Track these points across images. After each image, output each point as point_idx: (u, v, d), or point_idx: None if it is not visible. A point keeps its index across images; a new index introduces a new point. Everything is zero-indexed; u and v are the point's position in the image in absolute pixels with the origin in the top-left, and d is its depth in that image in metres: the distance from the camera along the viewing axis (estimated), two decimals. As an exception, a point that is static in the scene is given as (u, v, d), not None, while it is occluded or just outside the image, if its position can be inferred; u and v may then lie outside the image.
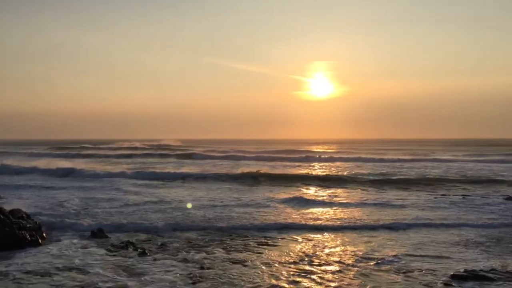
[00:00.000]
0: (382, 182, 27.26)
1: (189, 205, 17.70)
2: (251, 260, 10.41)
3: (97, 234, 12.75)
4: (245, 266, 10.00)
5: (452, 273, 9.29)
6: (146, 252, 11.02)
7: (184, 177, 29.75)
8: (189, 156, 58.43)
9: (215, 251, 11.22)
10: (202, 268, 9.77)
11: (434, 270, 9.67)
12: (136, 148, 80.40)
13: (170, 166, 40.03)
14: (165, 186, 25.21)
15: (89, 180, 28.17)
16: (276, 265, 10.06)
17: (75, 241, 12.20)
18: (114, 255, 10.79)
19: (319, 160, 51.57)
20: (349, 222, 14.82)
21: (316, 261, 10.36)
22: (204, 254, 10.93)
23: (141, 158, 56.59)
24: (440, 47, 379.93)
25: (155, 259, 10.44)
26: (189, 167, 38.26)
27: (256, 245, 11.84)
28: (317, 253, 11.06)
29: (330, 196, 21.59)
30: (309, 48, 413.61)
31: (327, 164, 45.91)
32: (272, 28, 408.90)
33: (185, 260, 10.37)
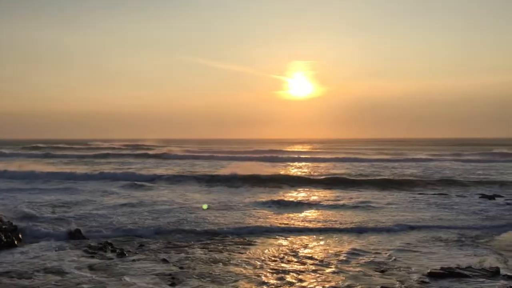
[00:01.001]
0: (360, 183, 27.19)
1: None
2: (232, 260, 10.41)
3: (75, 235, 12.59)
4: (226, 265, 10.00)
5: (429, 271, 9.43)
6: (125, 253, 10.91)
7: (160, 178, 28.87)
8: (166, 156, 57.50)
9: (195, 252, 11.18)
10: (182, 268, 9.73)
11: (411, 268, 9.81)
12: (113, 148, 79.56)
13: (146, 167, 39.55)
14: (142, 188, 24.67)
15: (59, 182, 26.96)
16: (257, 264, 10.07)
17: (51, 242, 12.00)
18: (92, 256, 10.66)
19: (298, 160, 51.60)
20: (327, 224, 14.75)
21: (296, 260, 10.42)
22: (183, 255, 10.88)
23: (116, 158, 55.70)
24: (420, 47, 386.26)
25: (134, 260, 10.36)
26: (165, 168, 37.94)
27: (236, 246, 11.82)
28: (297, 253, 11.10)
29: (308, 197, 21.42)
30: (289, 48, 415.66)
31: (305, 164, 46.04)
32: (253, 28, 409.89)
33: (164, 261, 10.30)
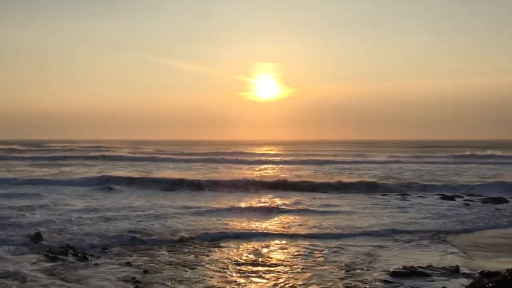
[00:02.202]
0: (322, 186, 26.30)
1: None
2: (198, 263, 10.33)
3: (34, 239, 12.20)
4: (192, 268, 9.91)
5: (392, 270, 9.61)
6: (87, 256, 10.66)
7: (119, 181, 27.25)
8: (124, 158, 55.85)
9: (160, 255, 11.03)
10: (146, 272, 9.58)
11: (375, 268, 9.97)
12: (71, 150, 77.65)
13: (96, 170, 37.65)
14: (100, 191, 23.62)
15: (13, 186, 25.59)
16: (224, 267, 10.03)
17: (9, 247, 11.58)
18: (53, 260, 10.36)
19: (261, 162, 51.23)
20: (290, 229, 14.40)
21: (261, 262, 10.42)
22: (148, 258, 10.72)
23: (74, 160, 53.88)
24: (383, 51, 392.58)
25: (96, 264, 10.13)
26: (126, 170, 36.98)
27: (202, 250, 11.64)
28: (262, 256, 11.07)
29: (270, 201, 20.71)
30: (255, 49, 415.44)
31: (268, 166, 45.91)
32: (217, 28, 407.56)
33: (128, 264, 10.12)
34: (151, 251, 11.38)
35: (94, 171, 35.97)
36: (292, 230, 14.20)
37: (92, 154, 62.72)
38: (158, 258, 10.73)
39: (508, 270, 8.74)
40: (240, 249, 11.72)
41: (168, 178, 28.18)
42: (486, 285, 7.68)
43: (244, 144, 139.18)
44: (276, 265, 10.23)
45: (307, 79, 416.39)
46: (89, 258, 10.53)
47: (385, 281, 9.02)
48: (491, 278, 8.30)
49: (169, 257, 10.84)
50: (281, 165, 47.15)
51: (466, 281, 8.77)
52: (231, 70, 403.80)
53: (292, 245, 12.18)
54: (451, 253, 11.49)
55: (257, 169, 42.09)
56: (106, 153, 63.34)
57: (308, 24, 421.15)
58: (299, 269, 9.87)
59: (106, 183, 26.47)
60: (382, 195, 23.30)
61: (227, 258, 10.73)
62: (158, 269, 9.81)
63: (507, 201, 21.24)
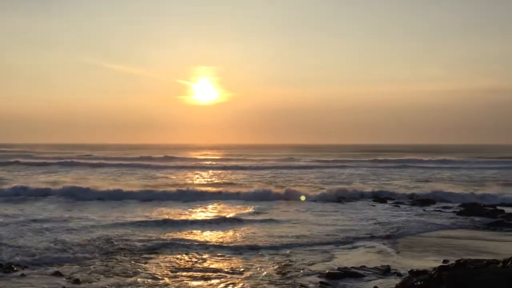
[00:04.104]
0: (249, 195, 23.98)
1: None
2: (132, 272, 10.05)
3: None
4: (125, 277, 9.62)
5: (327, 272, 9.81)
6: (13, 267, 10.08)
7: (32, 191, 24.10)
8: (41, 164, 51.05)
9: (92, 264, 10.63)
10: (77, 281, 9.19)
11: (311, 270, 10.14)
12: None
13: (18, 177, 34.88)
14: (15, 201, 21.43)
15: None
16: (158, 275, 9.82)
17: None
18: (-26, 273, 9.71)
19: (194, 168, 49.27)
20: (223, 239, 14.01)
21: (197, 271, 10.30)
22: (78, 267, 10.29)
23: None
24: (323, 56, 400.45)
25: (23, 275, 9.60)
26: (42, 178, 34.35)
27: (135, 259, 11.26)
28: (197, 264, 10.88)
29: (202, 211, 19.34)
30: (194, 52, 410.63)
31: (203, 172, 44.71)
32: (157, 30, 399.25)
33: (58, 274, 9.67)
34: (83, 261, 10.93)
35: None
36: (226, 240, 14.02)
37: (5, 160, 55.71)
38: (90, 267, 10.33)
39: (434, 268, 9.17)
40: (176, 258, 11.49)
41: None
42: (415, 284, 8.00)
43: (180, 148, 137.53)
44: (212, 272, 10.16)
45: (247, 83, 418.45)
46: (15, 269, 9.96)
47: (321, 283, 9.18)
48: (419, 276, 8.66)
49: (102, 266, 10.47)
50: (219, 170, 46.87)
51: (395, 281, 9.10)
52: (169, 73, 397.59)
53: (227, 253, 12.12)
54: (383, 253, 11.92)
55: (192, 174, 41.70)
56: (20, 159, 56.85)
57: (248, 28, 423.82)
58: (236, 275, 9.85)
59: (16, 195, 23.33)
60: (323, 193, 23.89)
61: (163, 267, 10.52)
62: (91, 278, 9.45)
63: (434, 203, 22.34)
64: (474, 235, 14.81)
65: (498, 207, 20.63)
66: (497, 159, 61.31)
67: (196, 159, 68.30)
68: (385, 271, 9.98)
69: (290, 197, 23.39)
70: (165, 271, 10.06)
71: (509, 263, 9.49)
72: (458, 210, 19.61)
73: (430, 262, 10.67)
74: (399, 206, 21.18)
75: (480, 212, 18.95)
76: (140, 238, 13.32)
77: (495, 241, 13.81)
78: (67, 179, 33.07)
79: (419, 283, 7.96)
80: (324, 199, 23.09)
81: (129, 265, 10.50)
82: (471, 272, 7.18)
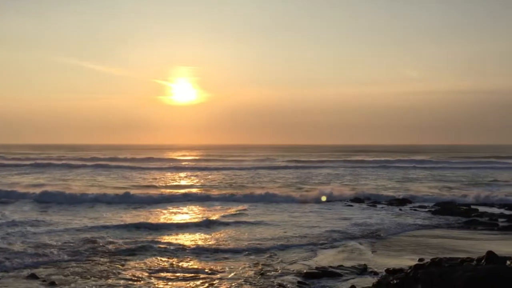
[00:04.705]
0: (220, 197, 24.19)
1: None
2: (109, 274, 9.95)
3: None
4: (102, 279, 9.52)
5: (305, 271, 9.88)
6: (-14, 271, 9.88)
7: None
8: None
9: (68, 266, 10.48)
10: (52, 283, 9.06)
11: (290, 270, 10.19)
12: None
13: None
14: None
15: None
16: (135, 277, 9.75)
17: None
18: None
19: (171, 169, 48.61)
20: (200, 242, 14.23)
21: (174, 271, 10.29)
22: (54, 269, 10.15)
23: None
24: (301, 57, 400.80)
25: (-3, 278, 9.42)
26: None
27: (112, 261, 11.11)
28: (173, 266, 10.84)
29: (179, 214, 18.93)
30: (172, 52, 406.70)
31: (181, 173, 44.36)
32: (135, 30, 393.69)
33: (33, 276, 9.51)
34: (58, 263, 10.76)
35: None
36: (202, 243, 13.98)
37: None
38: (66, 269, 10.19)
39: (410, 267, 9.33)
40: (154, 260, 11.39)
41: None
42: (391, 282, 8.12)
43: (159, 148, 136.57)
44: (190, 273, 10.13)
45: (225, 84, 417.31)
46: (-11, 272, 9.77)
47: (299, 282, 9.24)
48: (395, 275, 8.80)
49: (78, 268, 10.33)
50: (198, 172, 46.64)
51: (372, 279, 9.22)
52: (148, 73, 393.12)
53: (202, 254, 12.11)
54: (360, 253, 12.06)
55: (162, 176, 41.45)
56: None
57: (227, 29, 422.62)
58: (218, 275, 9.85)
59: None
60: (291, 202, 23.71)
61: (140, 269, 10.43)
62: (67, 280, 9.33)
63: (410, 202, 22.67)
64: (449, 234, 15.09)
65: (472, 206, 21.08)
66: (472, 160, 62.28)
67: (174, 160, 67.85)
68: (362, 270, 10.11)
69: (269, 198, 23.33)
70: (142, 272, 9.99)
71: (482, 261, 9.72)
72: (433, 210, 19.95)
73: (406, 261, 10.84)
74: (376, 206, 21.43)
75: (455, 211, 19.31)
76: (116, 241, 13.10)
77: (469, 239, 14.09)
78: (41, 180, 32.70)
79: (395, 281, 8.08)
80: (302, 200, 23.14)
81: (106, 267, 10.40)
82: (445, 270, 7.32)
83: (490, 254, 10.01)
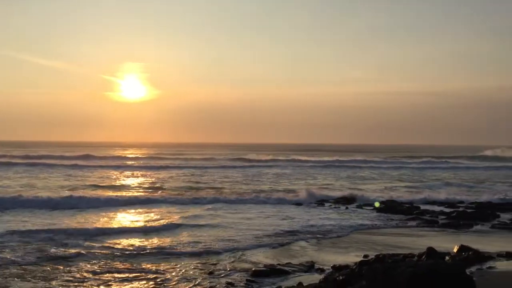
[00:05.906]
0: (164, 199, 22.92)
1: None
2: (51, 275, 9.63)
3: None
4: (44, 281, 9.20)
5: (253, 269, 9.94)
6: None
7: None
8: None
9: (7, 269, 10.04)
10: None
11: (237, 269, 10.22)
12: None
13: None
14: None
15: None
16: (79, 277, 9.49)
17: None
18: None
19: (118, 167, 46.38)
20: (149, 245, 14.16)
21: (119, 271, 10.10)
22: (-7, 272, 9.69)
23: None
24: (255, 56, 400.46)
25: None
26: None
27: (54, 263, 10.75)
28: (118, 267, 10.69)
29: (126, 217, 18.08)
30: (121, 48, 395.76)
31: (128, 171, 43.00)
32: (83, 26, 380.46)
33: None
34: (-2, 265, 10.29)
35: None
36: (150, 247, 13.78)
37: None
38: (5, 271, 9.76)
39: (355, 263, 9.59)
40: (99, 263, 11.06)
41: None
42: (337, 278, 8.30)
43: (105, 146, 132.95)
44: (136, 274, 9.96)
45: (176, 81, 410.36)
46: None
47: (248, 280, 9.28)
48: (341, 271, 9.01)
49: (19, 271, 9.91)
50: (150, 172, 45.59)
51: (320, 276, 9.39)
52: (96, 68, 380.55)
53: (152, 258, 11.96)
54: (307, 250, 12.27)
55: (107, 175, 40.45)
56: None
57: (177, 25, 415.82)
58: (167, 275, 9.74)
59: None
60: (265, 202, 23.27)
61: (84, 271, 10.12)
62: (7, 282, 8.95)
63: (355, 201, 23.22)
64: (392, 231, 15.58)
65: (415, 204, 21.88)
66: (420, 160, 64.18)
67: (120, 158, 65.87)
68: (310, 267, 10.29)
69: (218, 200, 22.73)
70: (86, 274, 9.72)
71: (423, 256, 10.12)
72: (378, 208, 20.55)
73: (352, 258, 11.12)
74: (323, 205, 21.82)
75: (398, 209, 19.98)
76: (58, 245, 12.36)
77: (411, 236, 14.62)
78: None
79: (341, 277, 8.26)
80: (250, 201, 22.69)
81: (48, 269, 10.05)
82: (389, 266, 7.56)
83: (430, 250, 10.47)
